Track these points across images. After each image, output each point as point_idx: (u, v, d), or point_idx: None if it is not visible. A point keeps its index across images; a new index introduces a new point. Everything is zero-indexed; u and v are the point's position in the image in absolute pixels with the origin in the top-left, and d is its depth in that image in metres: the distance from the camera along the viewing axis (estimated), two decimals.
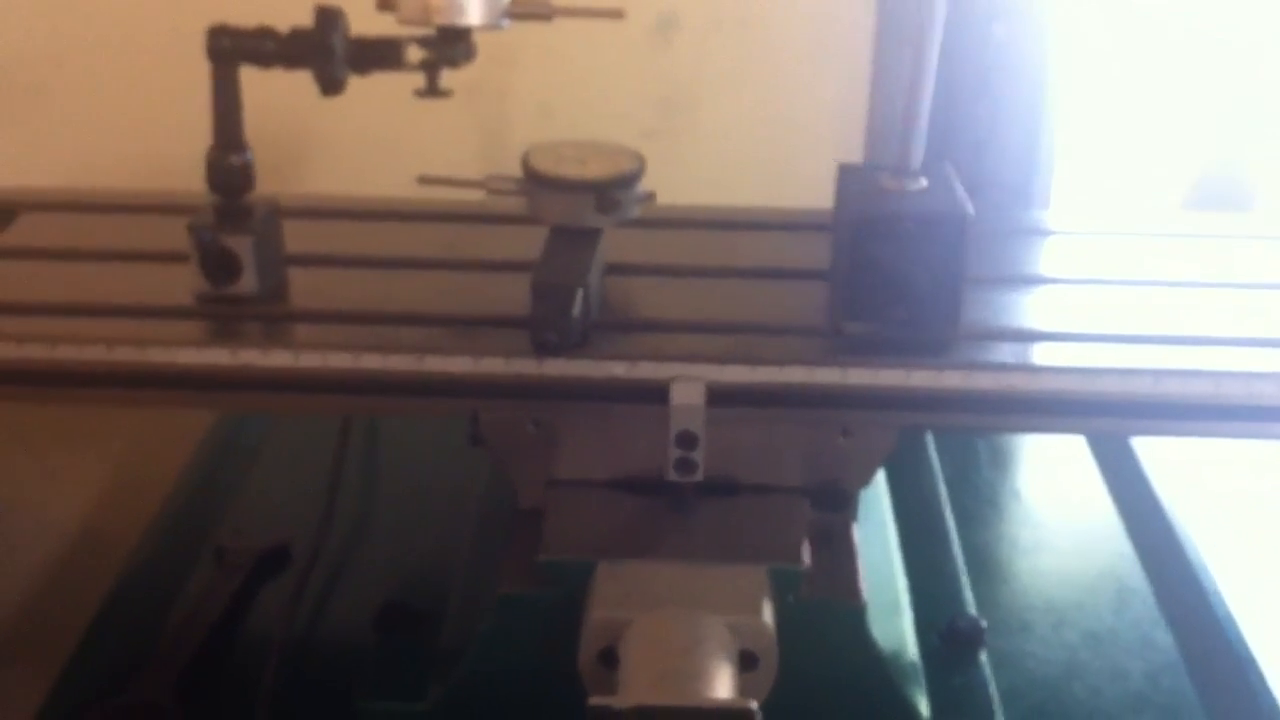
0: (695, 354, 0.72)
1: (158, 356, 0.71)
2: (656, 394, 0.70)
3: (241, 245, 0.74)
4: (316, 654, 0.79)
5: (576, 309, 0.70)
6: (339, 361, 0.71)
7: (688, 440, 0.70)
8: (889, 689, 0.70)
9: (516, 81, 1.18)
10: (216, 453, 0.99)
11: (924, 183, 0.74)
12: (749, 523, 0.72)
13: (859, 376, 0.70)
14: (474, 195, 0.77)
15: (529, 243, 0.75)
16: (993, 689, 0.73)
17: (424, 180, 0.76)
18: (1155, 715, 0.75)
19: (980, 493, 0.92)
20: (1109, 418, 0.70)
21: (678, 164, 0.99)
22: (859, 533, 0.75)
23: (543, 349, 0.70)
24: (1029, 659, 0.78)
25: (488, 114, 1.19)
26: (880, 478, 0.87)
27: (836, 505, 0.74)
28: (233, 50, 0.72)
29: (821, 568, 0.70)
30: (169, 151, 0.98)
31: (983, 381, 0.70)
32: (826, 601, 0.69)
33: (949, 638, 0.75)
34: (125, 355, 0.71)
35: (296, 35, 0.71)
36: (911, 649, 0.74)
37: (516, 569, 0.72)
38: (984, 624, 0.75)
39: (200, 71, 0.73)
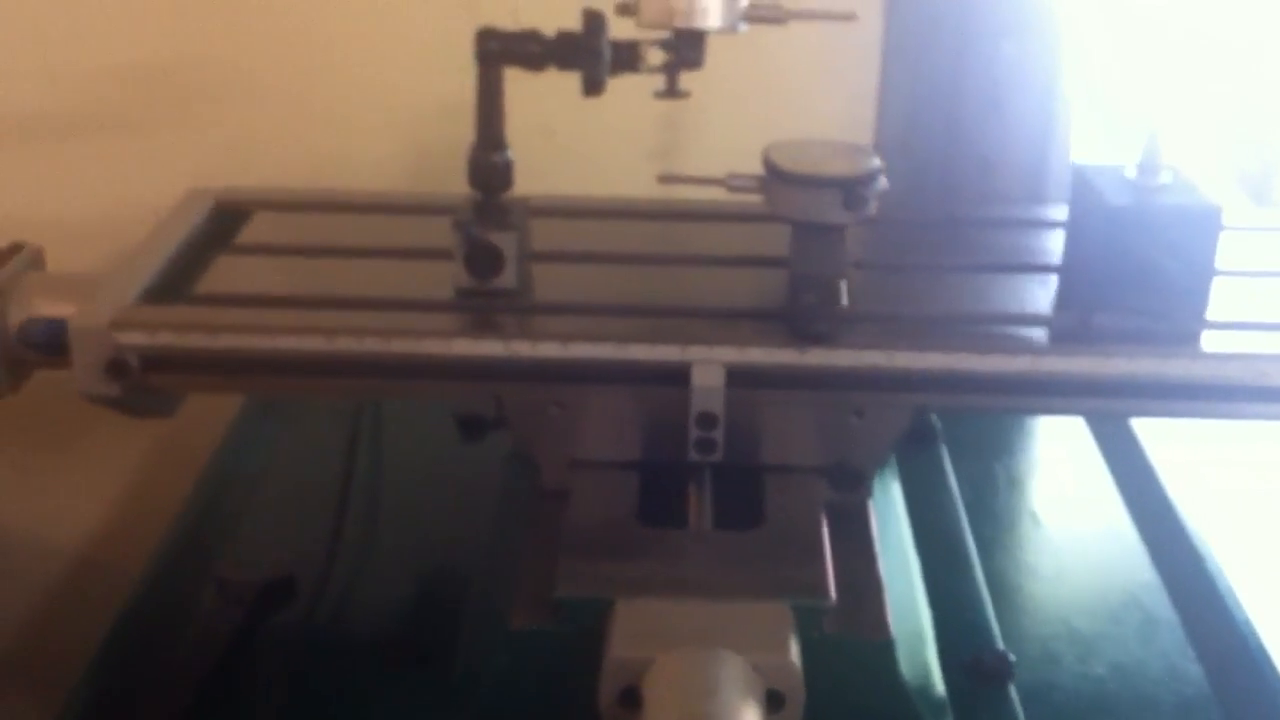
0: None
1: (433, 348, 0.74)
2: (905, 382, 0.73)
3: (505, 241, 0.77)
4: (322, 690, 0.76)
5: (843, 299, 0.74)
6: (606, 352, 0.73)
7: (708, 421, 0.72)
8: None
9: (515, 101, 1.16)
10: (219, 480, 0.96)
11: (1168, 178, 0.76)
12: (772, 556, 0.70)
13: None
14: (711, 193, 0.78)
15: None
16: None
17: (665, 179, 0.80)
18: None
19: (1000, 519, 0.90)
20: None
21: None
22: (883, 565, 0.73)
23: (812, 340, 0.73)
24: (1057, 692, 0.76)
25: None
26: (900, 506, 0.85)
27: None
28: (500, 52, 0.74)
29: (847, 602, 0.68)
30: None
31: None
32: (854, 637, 0.67)
33: (976, 671, 0.73)
34: (401, 347, 0.74)
35: (563, 38, 0.74)
36: (938, 684, 0.72)
37: (530, 602, 0.70)
38: (1012, 658, 0.73)
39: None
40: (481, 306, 0.77)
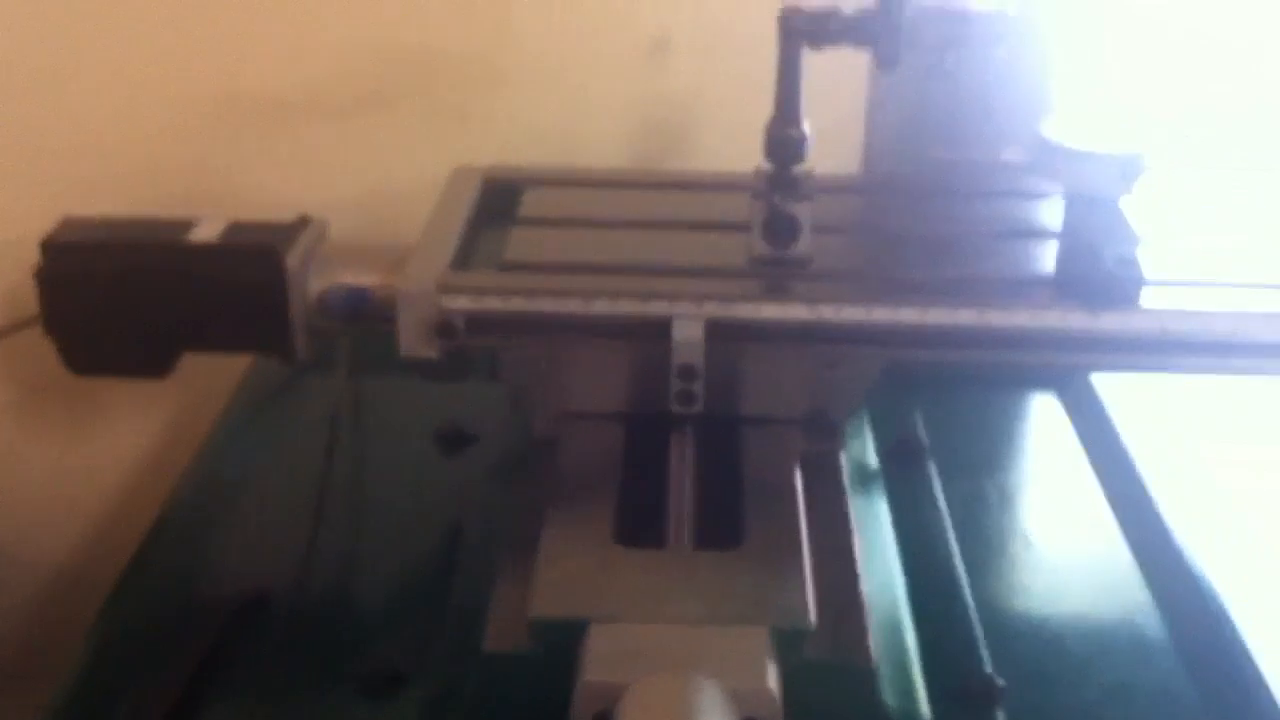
0: None
1: (743, 312, 0.78)
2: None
3: (802, 211, 0.82)
4: (295, 712, 0.74)
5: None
6: (935, 317, 0.77)
7: (688, 373, 0.77)
8: None
9: (504, 104, 1.15)
10: (197, 488, 0.95)
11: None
12: (750, 579, 0.68)
13: None
14: None
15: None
16: None
17: (943, 159, 0.91)
18: None
19: (990, 539, 0.88)
20: None
21: None
22: (865, 585, 0.71)
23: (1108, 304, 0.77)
24: (1047, 717, 0.74)
25: (477, 137, 1.16)
26: (886, 523, 0.83)
27: None
28: (803, 29, 0.78)
29: (828, 624, 0.66)
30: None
31: None
32: (835, 663, 0.65)
33: (963, 697, 0.71)
34: (718, 310, 0.77)
35: (865, 15, 0.78)
36: (924, 709, 0.70)
37: (505, 623, 0.69)
38: (1001, 682, 0.71)
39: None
40: (787, 275, 0.82)
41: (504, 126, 1.17)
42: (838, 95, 1.18)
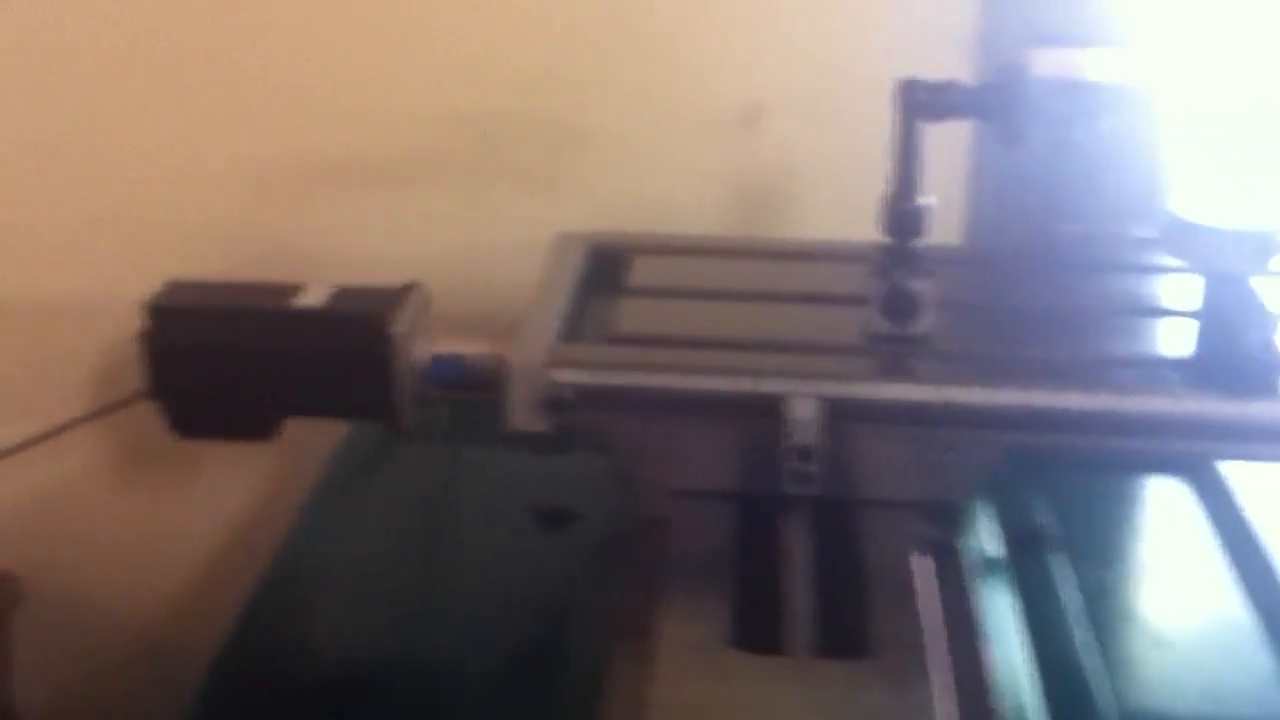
0: None
1: (862, 392, 0.76)
2: None
3: (922, 287, 0.79)
4: None
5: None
6: (1065, 401, 0.74)
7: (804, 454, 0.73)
8: None
9: (597, 169, 1.14)
10: (291, 567, 0.92)
11: None
12: (874, 696, 0.64)
13: None
14: None
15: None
16: None
17: (1065, 232, 0.86)
18: None
19: (1125, 636, 0.83)
20: None
21: None
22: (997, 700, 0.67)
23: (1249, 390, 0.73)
24: None
25: (570, 202, 1.15)
26: (1014, 621, 0.79)
27: None
28: (923, 102, 0.76)
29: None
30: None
31: None
32: None
33: None
34: (865, 391, 0.76)
35: (986, 88, 0.77)
36: None
37: None
38: None
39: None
40: (905, 353, 0.79)
41: (597, 191, 1.16)
42: (938, 164, 1.15)
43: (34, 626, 1.19)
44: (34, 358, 1.18)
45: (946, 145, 1.13)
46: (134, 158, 1.13)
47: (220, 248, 1.13)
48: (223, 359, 0.79)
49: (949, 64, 0.81)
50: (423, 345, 0.82)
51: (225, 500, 1.24)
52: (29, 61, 1.10)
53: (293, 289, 0.82)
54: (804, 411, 0.74)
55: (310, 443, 1.04)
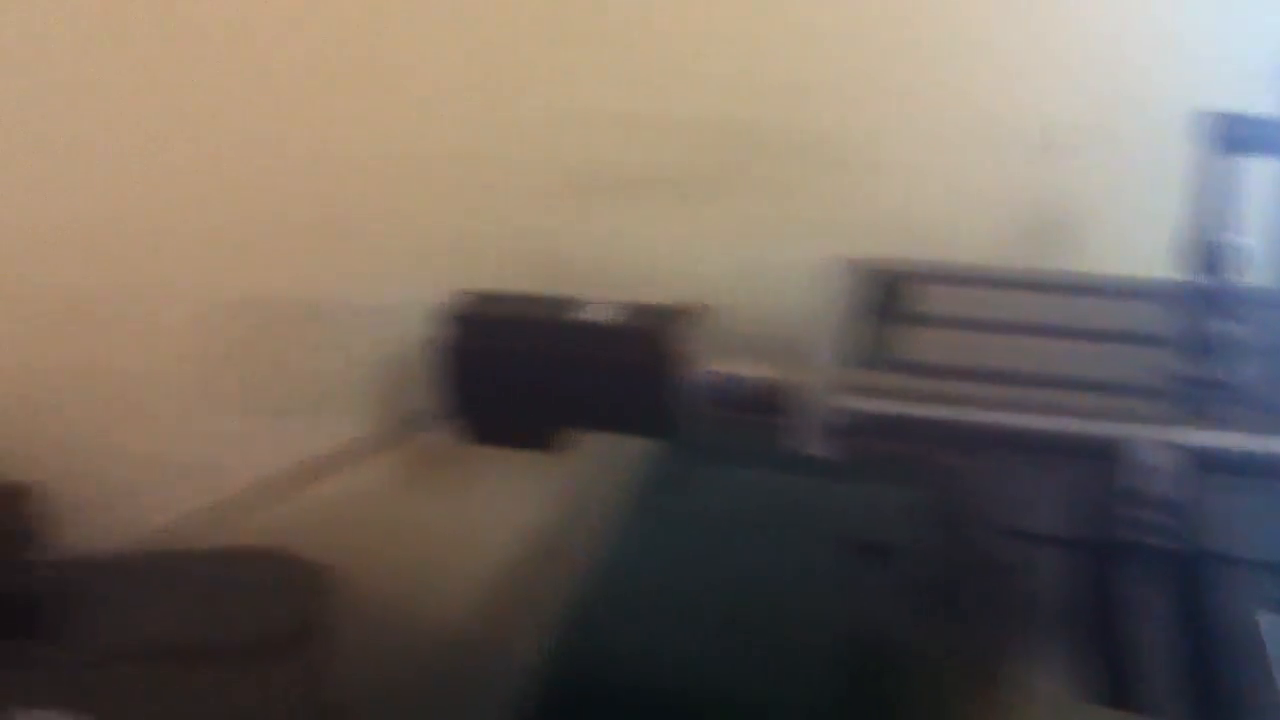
0: None
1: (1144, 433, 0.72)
2: None
3: (1236, 330, 0.76)
4: None
5: None
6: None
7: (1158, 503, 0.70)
8: None
9: (878, 192, 1.12)
10: (591, 592, 0.90)
11: None
12: None
13: None
14: None
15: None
16: None
17: None
18: None
19: None
20: None
21: None
22: None
23: None
24: None
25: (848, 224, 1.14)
26: None
27: None
28: (1244, 137, 0.75)
29: None
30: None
31: None
32: None
33: None
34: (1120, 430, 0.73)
35: None
36: None
37: None
38: None
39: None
40: (1199, 396, 0.75)
41: (877, 215, 1.12)
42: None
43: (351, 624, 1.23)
44: (330, 360, 1.23)
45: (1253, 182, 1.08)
46: (422, 166, 1.17)
47: (498, 259, 1.16)
48: (520, 368, 0.82)
49: (1248, 97, 0.78)
50: (701, 364, 0.82)
51: (510, 509, 1.25)
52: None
53: (578, 303, 0.84)
54: (1155, 458, 0.71)
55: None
